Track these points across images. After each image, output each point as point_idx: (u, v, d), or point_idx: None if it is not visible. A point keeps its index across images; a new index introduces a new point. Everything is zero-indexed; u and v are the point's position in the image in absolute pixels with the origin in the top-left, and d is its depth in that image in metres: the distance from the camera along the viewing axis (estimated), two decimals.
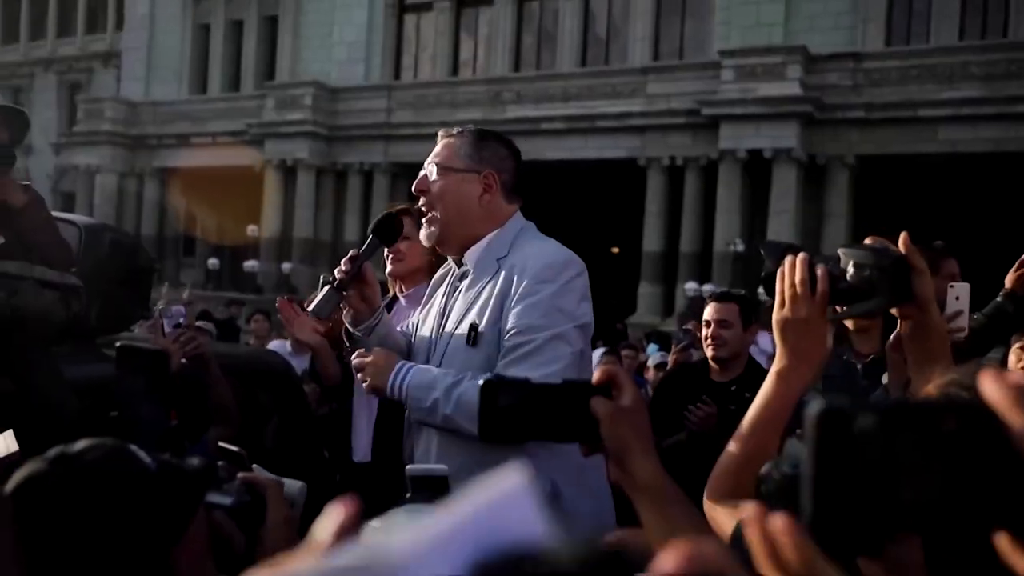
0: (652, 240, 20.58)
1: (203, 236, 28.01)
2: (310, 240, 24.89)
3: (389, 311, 2.69)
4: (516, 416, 1.04)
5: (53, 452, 1.03)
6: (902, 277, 1.26)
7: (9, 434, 1.29)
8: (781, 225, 18.75)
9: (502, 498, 0.32)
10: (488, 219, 2.03)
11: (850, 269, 1.27)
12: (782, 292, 1.23)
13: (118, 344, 1.85)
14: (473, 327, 1.90)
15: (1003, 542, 0.51)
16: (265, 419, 2.93)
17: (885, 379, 1.95)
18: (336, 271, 1.98)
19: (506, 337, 1.85)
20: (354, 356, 1.96)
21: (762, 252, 2.12)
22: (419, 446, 1.98)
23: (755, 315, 3.34)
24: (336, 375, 2.68)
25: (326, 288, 1.98)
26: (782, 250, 1.32)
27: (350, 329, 2.05)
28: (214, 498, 1.15)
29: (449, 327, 1.98)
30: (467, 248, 2.03)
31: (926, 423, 0.51)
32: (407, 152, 24.19)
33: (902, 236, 1.30)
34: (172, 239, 28.36)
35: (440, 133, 2.14)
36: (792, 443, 0.95)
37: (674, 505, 0.98)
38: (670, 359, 5.23)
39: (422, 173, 2.07)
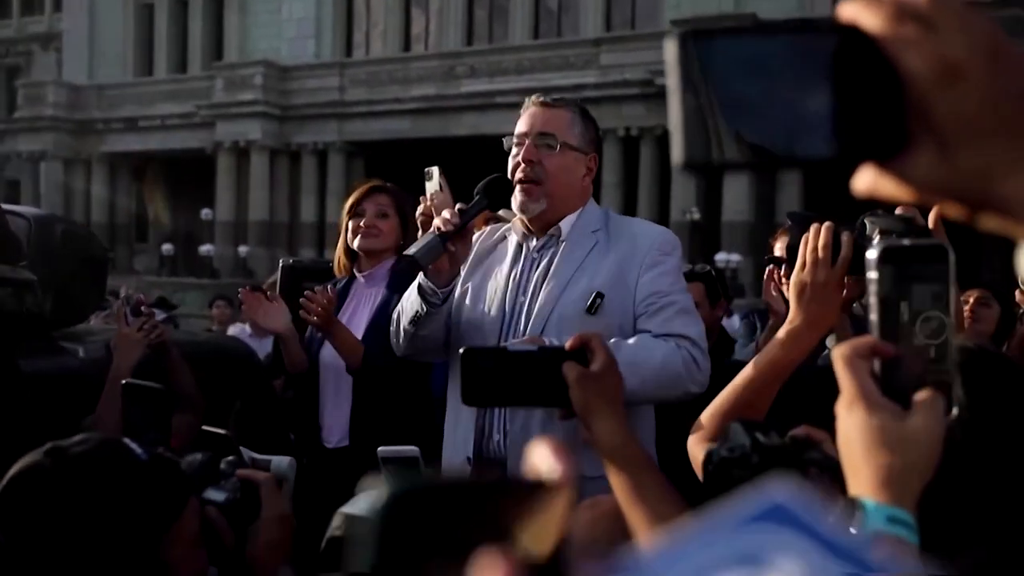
0: None
1: (156, 221, 27.50)
2: (266, 222, 24.57)
3: (347, 292, 2.68)
4: (495, 379, 1.08)
5: (47, 445, 1.06)
6: None
7: None
8: (736, 193, 18.97)
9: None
10: (581, 199, 2.05)
11: (875, 237, 1.31)
12: (803, 255, 1.28)
13: (123, 383, 1.88)
14: (600, 295, 1.89)
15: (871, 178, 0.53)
16: (229, 405, 2.93)
17: (830, 341, 1.98)
18: (439, 221, 1.86)
19: (645, 302, 1.89)
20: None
21: (790, 221, 2.22)
22: (515, 423, 1.91)
23: (722, 290, 3.38)
24: (302, 363, 2.65)
25: (431, 236, 1.84)
26: (808, 219, 1.37)
27: (432, 289, 1.91)
28: (209, 494, 1.19)
29: (547, 296, 1.92)
30: (552, 221, 2.01)
31: (803, 33, 0.51)
32: (361, 130, 23.94)
33: (933, 211, 1.36)
34: (124, 225, 27.78)
35: (539, 99, 2.05)
36: (734, 427, 0.99)
37: (638, 465, 1.02)
38: None
39: (528, 141, 1.97)
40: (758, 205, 18.93)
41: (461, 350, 1.10)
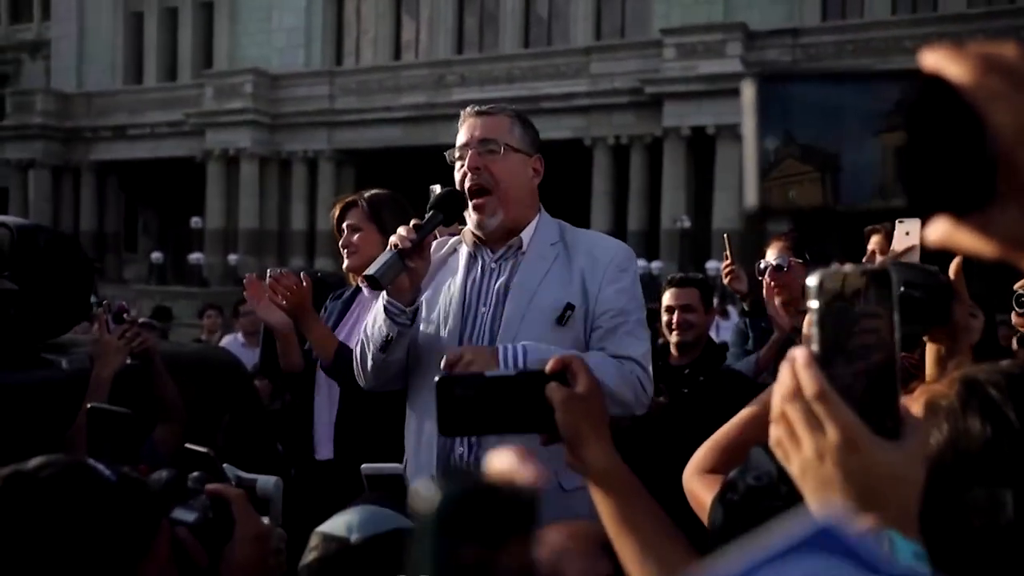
0: (599, 219, 20.71)
1: (145, 230, 27.38)
2: (256, 231, 24.48)
3: (351, 303, 2.66)
4: (472, 408, 1.03)
5: (6, 470, 0.99)
6: (944, 302, 1.35)
7: None
8: (726, 201, 19.00)
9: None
10: (533, 203, 2.06)
11: (900, 288, 1.32)
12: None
13: (88, 407, 1.83)
14: (571, 306, 1.93)
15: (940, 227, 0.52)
16: (216, 416, 2.90)
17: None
18: (396, 239, 1.83)
19: (602, 318, 1.94)
20: (449, 353, 1.80)
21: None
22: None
23: (712, 298, 3.40)
24: (298, 364, 2.60)
25: (389, 254, 1.81)
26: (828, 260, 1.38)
27: (400, 309, 1.88)
28: (178, 514, 1.12)
29: (515, 307, 1.93)
30: (511, 232, 2.01)
31: (878, 81, 0.51)
32: (351, 138, 23.91)
33: (955, 262, 1.37)
34: (113, 234, 27.64)
35: (473, 110, 2.04)
36: (756, 453, 0.96)
37: (628, 491, 0.98)
38: None
39: (471, 151, 1.96)
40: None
41: (436, 379, 1.04)
